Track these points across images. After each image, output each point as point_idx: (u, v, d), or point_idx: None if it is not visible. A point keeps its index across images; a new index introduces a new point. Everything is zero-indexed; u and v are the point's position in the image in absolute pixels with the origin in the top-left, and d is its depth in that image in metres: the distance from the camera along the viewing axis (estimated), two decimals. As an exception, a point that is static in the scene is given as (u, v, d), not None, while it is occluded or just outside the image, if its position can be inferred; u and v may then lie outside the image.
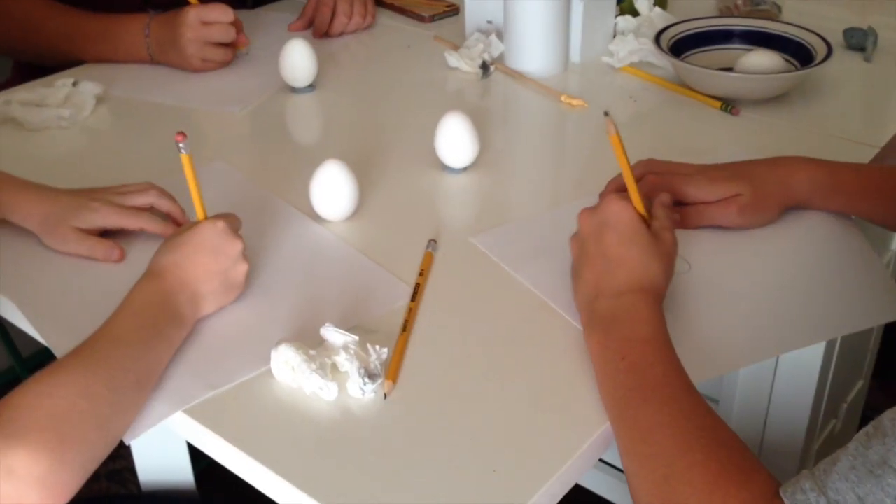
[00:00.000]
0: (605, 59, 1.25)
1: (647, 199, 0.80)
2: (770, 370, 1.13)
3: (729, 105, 1.13)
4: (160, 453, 0.94)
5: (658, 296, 0.76)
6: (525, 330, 0.78)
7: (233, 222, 0.80)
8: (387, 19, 1.47)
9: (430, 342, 0.77)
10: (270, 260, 0.88)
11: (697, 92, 1.16)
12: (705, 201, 0.88)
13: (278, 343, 0.72)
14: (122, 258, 0.87)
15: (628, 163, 0.78)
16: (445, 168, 1.01)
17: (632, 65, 1.24)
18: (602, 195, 0.91)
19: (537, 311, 0.80)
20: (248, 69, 1.28)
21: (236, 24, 1.25)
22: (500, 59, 1.27)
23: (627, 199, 0.78)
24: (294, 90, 1.22)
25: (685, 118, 1.13)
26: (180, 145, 0.74)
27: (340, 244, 0.90)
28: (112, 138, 1.14)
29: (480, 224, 0.93)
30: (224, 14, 1.22)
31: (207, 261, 0.77)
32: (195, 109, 1.18)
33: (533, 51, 1.23)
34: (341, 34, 1.40)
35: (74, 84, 1.16)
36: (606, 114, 0.76)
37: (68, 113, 1.12)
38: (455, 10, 1.46)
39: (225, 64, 1.27)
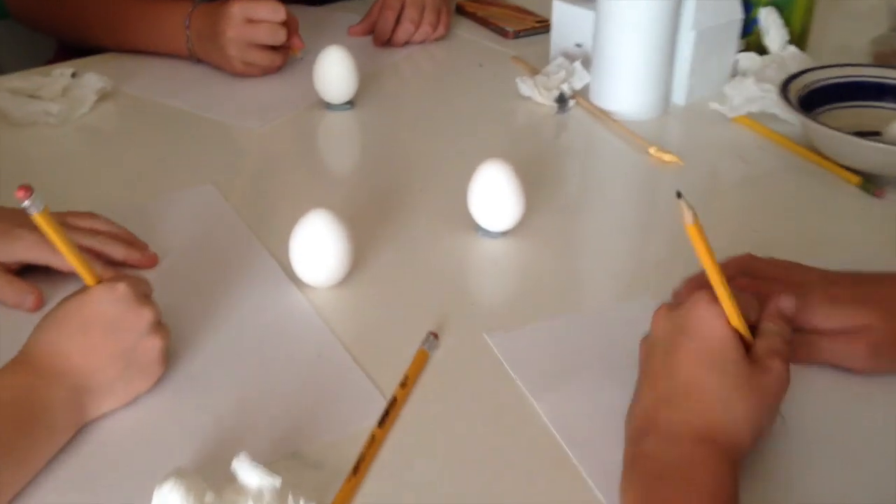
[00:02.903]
0: (715, 105, 0.99)
1: (751, 308, 0.57)
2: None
3: (871, 184, 0.85)
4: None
5: (735, 454, 0.52)
6: (530, 490, 0.55)
7: (138, 285, 0.60)
8: (464, 31, 1.25)
9: (392, 495, 0.55)
10: (220, 326, 0.67)
11: (831, 161, 0.89)
12: (820, 329, 0.63)
13: (167, 477, 0.51)
14: (38, 307, 0.68)
15: (714, 261, 0.54)
16: (479, 230, 0.79)
17: (748, 115, 0.98)
18: (677, 293, 0.67)
19: (552, 463, 0.57)
20: (286, 78, 1.09)
21: (289, 25, 1.06)
22: (583, 93, 1.03)
23: (719, 305, 0.54)
24: (329, 107, 1.02)
25: (809, 194, 0.87)
26: (25, 203, 0.54)
27: (314, 321, 0.68)
28: (109, 142, 0.97)
29: (505, 315, 0.69)
30: (273, 12, 1.03)
31: (102, 341, 0.57)
32: (210, 120, 1.00)
33: (625, 86, 0.99)
34: (406, 44, 1.19)
35: (74, 75, 0.99)
36: (679, 195, 0.52)
37: (57, 109, 0.96)
38: (545, 28, 1.23)
39: (272, 70, 1.08)
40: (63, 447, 0.56)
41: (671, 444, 0.52)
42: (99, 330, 0.57)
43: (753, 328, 0.57)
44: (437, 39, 1.20)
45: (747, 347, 0.55)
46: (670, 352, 0.55)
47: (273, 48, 1.06)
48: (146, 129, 0.99)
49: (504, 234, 0.78)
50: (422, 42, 1.19)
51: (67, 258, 0.57)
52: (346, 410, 0.60)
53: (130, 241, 0.74)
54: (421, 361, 0.64)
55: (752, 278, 0.65)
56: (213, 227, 0.80)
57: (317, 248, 0.69)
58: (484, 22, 1.25)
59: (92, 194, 0.86)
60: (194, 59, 1.09)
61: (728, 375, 0.53)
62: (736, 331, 0.55)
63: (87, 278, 0.58)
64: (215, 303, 0.70)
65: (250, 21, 1.03)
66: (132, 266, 0.73)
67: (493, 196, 0.76)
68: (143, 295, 0.60)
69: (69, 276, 0.70)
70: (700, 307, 0.55)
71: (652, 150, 0.92)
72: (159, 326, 0.60)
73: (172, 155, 0.93)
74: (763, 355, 0.54)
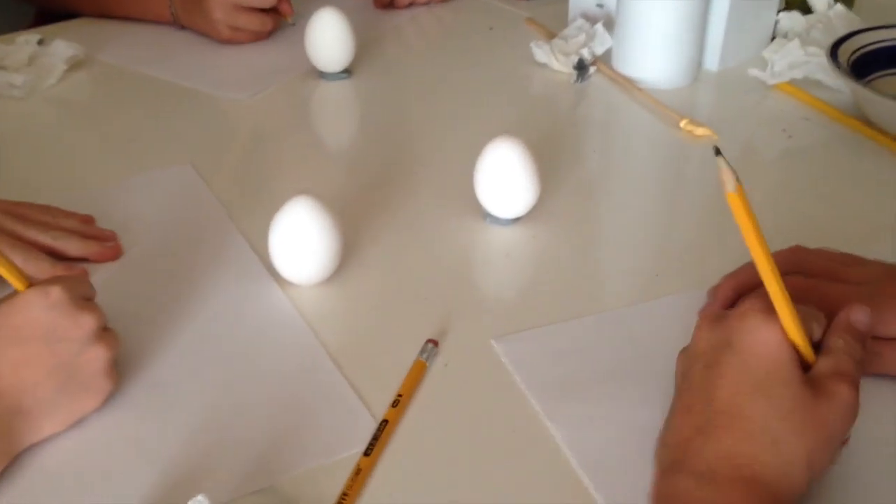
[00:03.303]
0: (754, 71, 0.89)
1: (816, 321, 0.48)
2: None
3: (933, 160, 0.75)
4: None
5: (783, 499, 0.43)
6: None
7: (77, 287, 0.51)
8: (474, -10, 1.14)
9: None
10: (186, 329, 0.58)
11: (885, 133, 0.79)
12: (887, 336, 0.53)
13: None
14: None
15: (764, 247, 0.44)
16: (488, 217, 0.69)
17: (791, 82, 0.88)
18: (716, 292, 0.58)
19: (568, 493, 0.48)
20: (276, 45, 0.99)
21: None
22: (605, 59, 0.93)
23: (775, 316, 0.45)
24: (323, 76, 0.92)
25: (861, 171, 0.77)
26: None
27: (296, 324, 0.59)
28: (79, 116, 0.88)
29: (515, 316, 0.60)
30: None
31: (36, 353, 0.49)
32: (193, 90, 0.90)
33: (652, 51, 0.88)
34: (410, 4, 1.09)
35: (40, 42, 0.90)
36: (718, 152, 0.42)
37: (22, 80, 0.86)
38: (563, -14, 1.12)
39: (261, 36, 0.98)
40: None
41: (706, 483, 0.43)
42: (32, 341, 0.49)
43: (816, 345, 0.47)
44: (443, 0, 1.10)
45: (806, 367, 0.46)
46: (711, 369, 0.46)
47: (263, 11, 0.97)
48: (121, 100, 0.89)
49: (515, 221, 0.69)
50: (426, 3, 1.09)
51: None
52: (330, 434, 0.51)
53: (90, 234, 0.66)
54: (417, 375, 0.55)
55: (806, 276, 0.56)
56: (187, 212, 0.71)
57: (300, 240, 0.60)
58: (495, -19, 1.15)
59: (58, 174, 0.77)
60: (177, 24, 1.00)
61: (779, 400, 0.44)
62: (794, 347, 0.45)
63: (16, 283, 0.50)
64: (183, 302, 0.61)
65: None
66: (91, 261, 0.64)
67: (503, 178, 0.66)
68: (83, 298, 0.51)
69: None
70: (752, 317, 0.46)
71: (683, 123, 0.82)
72: (104, 333, 0.52)
73: (150, 129, 0.84)
74: (826, 378, 0.45)
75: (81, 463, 0.50)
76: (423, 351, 0.56)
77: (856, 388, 0.45)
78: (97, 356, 0.51)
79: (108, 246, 0.65)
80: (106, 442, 0.51)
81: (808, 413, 0.44)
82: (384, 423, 0.51)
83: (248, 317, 0.60)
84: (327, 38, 0.89)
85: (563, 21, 1.01)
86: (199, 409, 0.53)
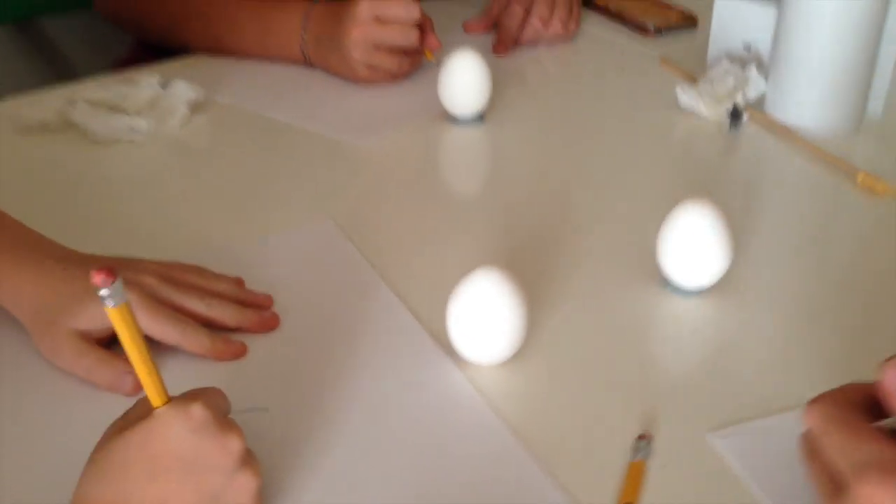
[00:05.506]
0: (926, 119, 0.82)
1: None
2: None
3: None
4: None
5: None
6: None
7: (218, 401, 0.45)
8: (593, 27, 1.08)
9: None
10: (352, 419, 0.52)
11: None
12: None
13: None
14: (136, 390, 0.54)
15: None
16: (669, 286, 0.63)
17: (968, 132, 0.81)
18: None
19: None
20: (404, 87, 0.93)
21: (423, 25, 0.91)
22: (757, 105, 0.86)
23: None
24: (455, 121, 0.86)
25: None
26: (102, 293, 0.40)
27: (481, 411, 0.53)
28: (202, 162, 0.82)
29: (724, 404, 0.54)
30: (407, 9, 0.88)
31: (178, 488, 0.42)
32: (318, 135, 0.85)
33: (813, 95, 0.82)
34: (534, 42, 1.03)
35: (162, 84, 0.86)
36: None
37: (146, 125, 0.82)
38: (693, 23, 1.06)
39: (399, 76, 0.93)
40: None
41: None
42: (173, 474, 0.42)
43: None
44: (566, 39, 1.04)
45: None
46: None
47: (403, 52, 0.91)
48: (244, 146, 0.84)
49: (699, 292, 0.63)
50: (550, 42, 1.03)
51: (136, 367, 0.43)
52: (545, 549, 0.45)
53: (245, 299, 0.60)
54: (638, 479, 0.48)
55: None
56: (336, 275, 0.65)
57: (486, 316, 0.54)
58: (618, 16, 1.09)
59: (186, 228, 0.72)
60: (307, 64, 0.95)
61: None
62: None
63: (155, 396, 0.43)
64: (348, 381, 0.55)
65: (379, 20, 0.88)
66: (246, 331, 0.59)
67: (694, 245, 0.60)
68: (225, 416, 0.45)
69: (166, 348, 0.56)
70: None
71: (860, 178, 0.75)
72: (249, 457, 0.45)
73: (279, 179, 0.79)
74: None
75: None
76: (637, 450, 0.50)
77: None
78: (246, 486, 0.44)
79: (267, 315, 0.60)
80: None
81: None
82: (613, 538, 0.45)
83: (427, 404, 0.54)
84: (465, 81, 0.83)
85: (696, 62, 0.95)
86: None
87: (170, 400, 0.43)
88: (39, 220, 0.61)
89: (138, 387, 0.53)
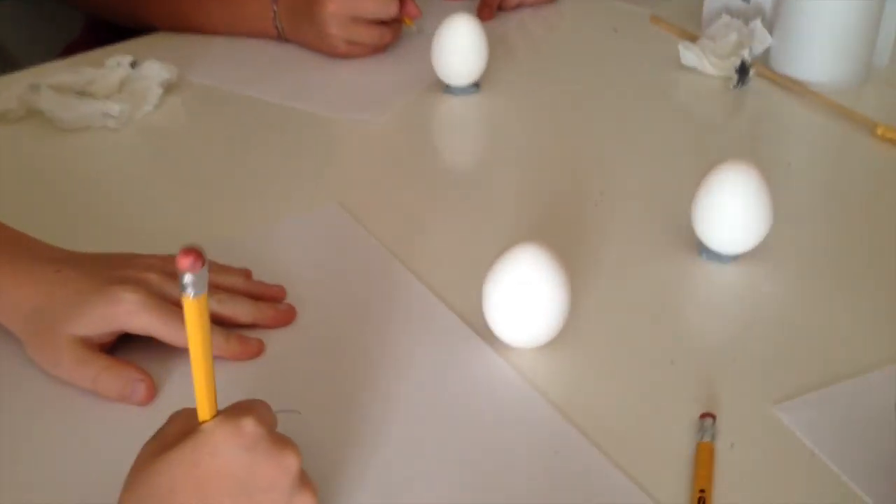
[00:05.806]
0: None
1: None
2: None
3: None
4: None
5: None
6: None
7: (268, 415, 0.40)
8: (578, -12, 1.04)
9: None
10: (393, 415, 0.48)
11: None
12: None
13: None
14: (150, 398, 0.49)
15: None
16: (704, 252, 0.60)
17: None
18: None
19: None
20: (391, 58, 0.88)
21: None
22: (762, 60, 0.83)
23: None
24: (450, 90, 0.82)
25: None
26: (186, 279, 0.35)
27: (528, 395, 0.49)
28: (181, 147, 0.76)
29: (783, 374, 0.51)
30: None
31: None
32: (308, 113, 0.79)
33: (821, 49, 0.79)
34: (518, 6, 0.98)
35: (133, 65, 0.79)
36: None
37: (118, 109, 0.75)
38: (679, -20, 1.02)
39: (378, 50, 0.87)
40: None
41: None
42: (227, 497, 0.37)
43: None
44: (551, 1, 1.00)
45: None
46: None
47: (382, 23, 0.86)
48: (228, 128, 0.79)
49: (735, 258, 0.59)
50: (534, 4, 0.99)
51: (194, 370, 0.37)
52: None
53: (257, 292, 0.55)
54: (709, 461, 0.45)
55: None
56: (351, 263, 0.60)
57: (530, 297, 0.50)
58: (601, -24, 1.05)
59: (176, 218, 0.66)
60: (282, 39, 0.89)
61: None
62: None
63: (205, 408, 0.38)
64: (380, 374, 0.51)
65: None
66: (262, 327, 0.54)
67: (733, 210, 0.57)
68: (277, 431, 0.40)
69: (175, 351, 0.51)
70: None
71: (880, 130, 0.73)
72: (305, 476, 0.40)
73: (270, 161, 0.73)
74: None
75: None
76: (702, 430, 0.46)
77: None
78: None
79: (283, 308, 0.55)
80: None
81: None
82: (695, 525, 0.42)
83: (472, 395, 0.50)
84: (461, 48, 0.78)
85: (691, 19, 0.92)
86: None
87: (218, 414, 0.38)
88: (11, 218, 0.55)
89: (150, 396, 0.49)
